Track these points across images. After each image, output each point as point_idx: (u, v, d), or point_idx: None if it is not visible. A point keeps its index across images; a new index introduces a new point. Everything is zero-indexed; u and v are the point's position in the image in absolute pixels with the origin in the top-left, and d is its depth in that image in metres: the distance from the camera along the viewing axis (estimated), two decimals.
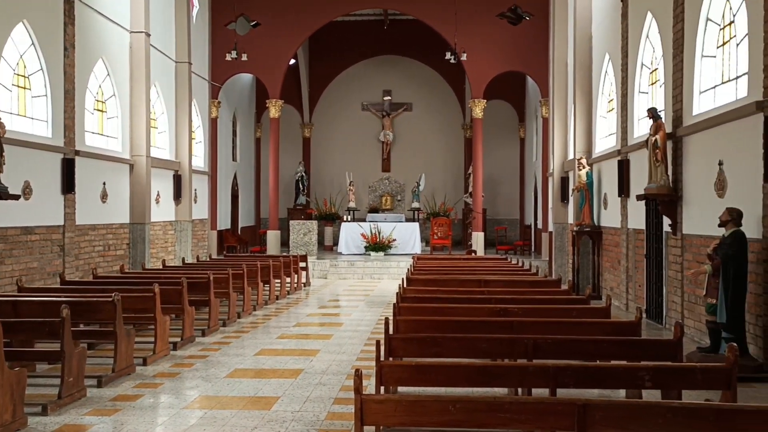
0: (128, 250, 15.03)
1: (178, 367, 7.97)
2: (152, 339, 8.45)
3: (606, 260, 14.21)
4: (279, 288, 14.65)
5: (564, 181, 17.35)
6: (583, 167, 14.73)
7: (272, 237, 21.09)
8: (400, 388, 6.10)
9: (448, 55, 18.07)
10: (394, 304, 7.11)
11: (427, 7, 20.16)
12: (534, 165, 23.61)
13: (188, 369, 7.86)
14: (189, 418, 5.96)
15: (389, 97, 26.99)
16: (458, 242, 24.41)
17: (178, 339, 9.13)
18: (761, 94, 7.49)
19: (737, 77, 8.48)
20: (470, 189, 22.19)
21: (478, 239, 20.33)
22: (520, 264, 13.95)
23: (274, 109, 21.15)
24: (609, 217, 13.84)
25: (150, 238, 15.63)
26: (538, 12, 18.76)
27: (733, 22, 8.63)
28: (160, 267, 14.04)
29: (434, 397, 3.69)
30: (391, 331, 5.93)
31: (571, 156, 16.58)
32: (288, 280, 15.54)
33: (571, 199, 16.21)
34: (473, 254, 18.92)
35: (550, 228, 18.25)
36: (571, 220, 16.04)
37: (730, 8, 8.68)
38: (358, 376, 3.59)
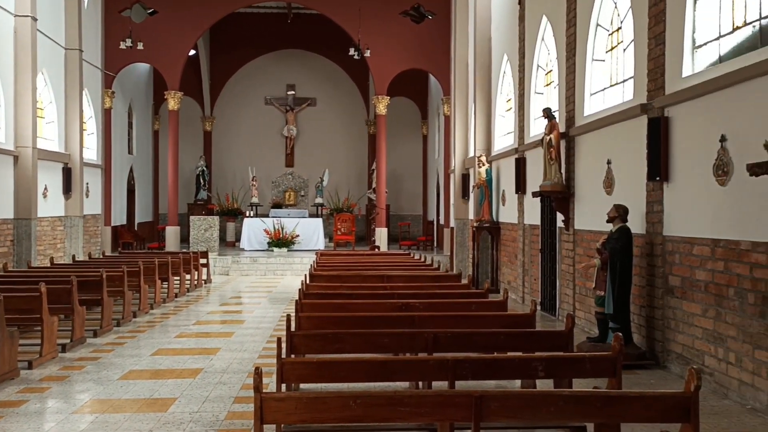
0: (12, 248, 14.13)
1: (68, 369, 7.57)
2: (39, 341, 7.99)
3: (504, 255, 14.68)
4: (178, 286, 14.21)
5: (465, 178, 17.77)
6: (483, 165, 15.13)
7: (171, 233, 20.43)
8: (302, 385, 6.06)
9: (351, 51, 18.08)
10: (296, 301, 7.05)
11: (331, 2, 20.09)
12: (436, 162, 24.06)
13: (78, 372, 7.49)
14: (78, 423, 5.67)
15: (293, 92, 26.72)
16: (362, 238, 24.54)
17: (68, 340, 8.67)
18: (645, 97, 7.96)
19: (624, 81, 8.96)
20: (374, 185, 22.34)
21: (381, 235, 20.51)
22: (422, 259, 14.17)
23: (173, 101, 20.47)
24: (507, 213, 14.30)
25: (37, 235, 14.76)
26: (441, 11, 19.10)
27: (620, 28, 9.10)
28: (48, 265, 13.29)
29: (335, 393, 3.68)
30: (293, 328, 5.88)
31: (471, 153, 17.01)
32: (188, 277, 15.10)
33: (471, 195, 16.63)
34: (377, 250, 19.07)
35: (452, 224, 18.66)
36: (471, 216, 16.47)
37: (618, 15, 9.15)
38: (257, 374, 3.53)
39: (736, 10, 6.54)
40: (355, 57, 18.21)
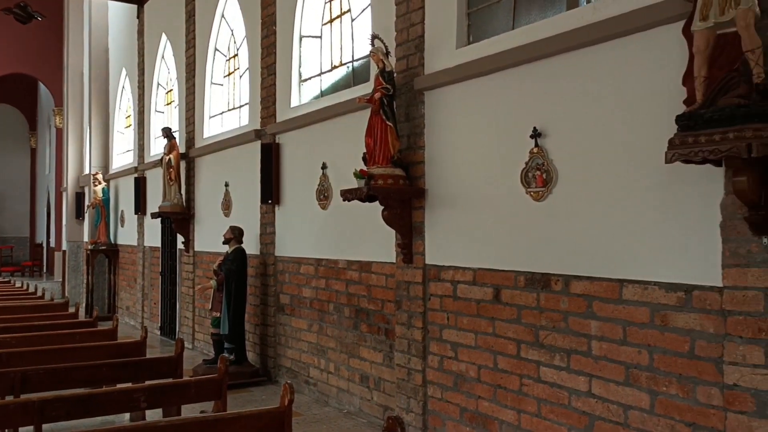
0: None
1: None
2: None
3: (123, 279, 13.88)
4: None
5: (80, 197, 16.35)
6: (100, 183, 14.16)
7: None
8: None
9: None
10: None
11: None
12: (47, 178, 21.77)
13: None
14: None
15: None
16: None
17: None
18: (259, 123, 8.31)
19: (241, 106, 9.25)
20: None
21: None
22: (25, 287, 12.58)
23: None
24: (126, 235, 13.57)
25: None
26: (52, 14, 17.38)
27: (237, 55, 9.38)
28: None
29: None
30: None
31: (87, 170, 15.75)
32: None
33: (86, 215, 15.39)
34: None
35: (64, 247, 16.99)
36: (86, 237, 15.23)
37: (235, 42, 9.43)
38: None
39: (334, 51, 7.26)
40: None
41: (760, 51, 3.00)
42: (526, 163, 4.65)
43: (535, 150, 4.59)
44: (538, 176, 4.57)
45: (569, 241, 4.36)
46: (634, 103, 3.97)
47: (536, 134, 4.58)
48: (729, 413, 3.37)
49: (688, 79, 3.35)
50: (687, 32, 3.32)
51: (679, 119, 3.25)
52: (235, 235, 8.11)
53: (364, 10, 6.71)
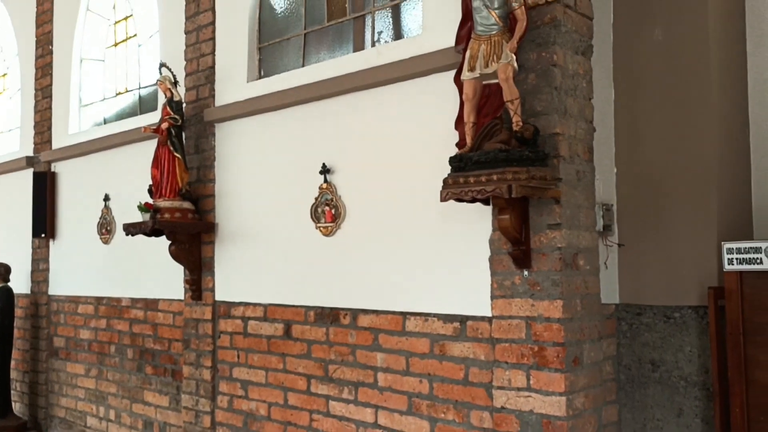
0: None
1: None
2: None
3: None
4: None
5: None
6: None
7: None
8: None
9: None
10: None
11: None
12: None
13: None
14: None
15: None
16: None
17: None
18: (32, 149, 7.58)
19: (10, 130, 8.38)
20: None
21: None
22: None
23: None
24: None
25: None
26: None
27: (6, 74, 8.52)
28: None
29: None
30: None
31: None
32: None
33: None
34: None
35: None
36: None
37: (5, 59, 8.56)
38: None
39: (119, 76, 6.86)
40: None
41: (518, 101, 3.32)
42: (316, 199, 4.70)
43: (325, 186, 4.66)
44: (328, 212, 4.64)
45: (357, 275, 4.46)
46: (415, 143, 4.19)
47: (325, 170, 4.66)
48: None
49: (459, 123, 3.62)
50: (458, 81, 3.59)
51: (452, 160, 3.48)
52: (1, 272, 7.28)
53: (152, 36, 6.43)
